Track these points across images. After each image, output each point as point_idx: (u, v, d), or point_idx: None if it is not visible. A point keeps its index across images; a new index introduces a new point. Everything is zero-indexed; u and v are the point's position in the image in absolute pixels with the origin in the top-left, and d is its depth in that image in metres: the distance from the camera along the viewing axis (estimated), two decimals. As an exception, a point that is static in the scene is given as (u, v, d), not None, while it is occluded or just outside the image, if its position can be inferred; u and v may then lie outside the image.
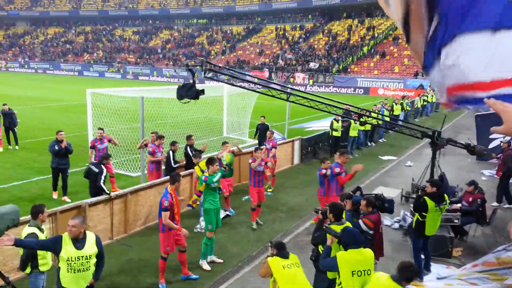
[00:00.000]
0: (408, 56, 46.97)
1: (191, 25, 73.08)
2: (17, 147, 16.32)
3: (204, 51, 63.19)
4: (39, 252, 5.62)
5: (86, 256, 5.03)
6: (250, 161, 9.58)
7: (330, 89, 46.06)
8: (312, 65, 50.57)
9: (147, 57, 66.54)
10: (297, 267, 5.09)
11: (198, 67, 9.24)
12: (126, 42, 73.97)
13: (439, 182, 7.54)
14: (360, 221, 6.15)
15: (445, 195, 7.36)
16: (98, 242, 5.19)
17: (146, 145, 11.24)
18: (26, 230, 5.74)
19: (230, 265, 7.86)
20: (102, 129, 11.77)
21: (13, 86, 43.03)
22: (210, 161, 8.02)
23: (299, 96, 9.67)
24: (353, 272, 4.73)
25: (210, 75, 9.50)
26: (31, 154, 15.59)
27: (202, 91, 8.90)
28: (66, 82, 50.47)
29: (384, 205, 6.50)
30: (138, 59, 66.27)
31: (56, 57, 74.28)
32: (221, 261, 7.98)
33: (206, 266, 7.74)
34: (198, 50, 64.05)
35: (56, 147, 10.64)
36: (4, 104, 16.36)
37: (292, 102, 9.92)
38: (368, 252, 4.94)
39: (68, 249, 4.96)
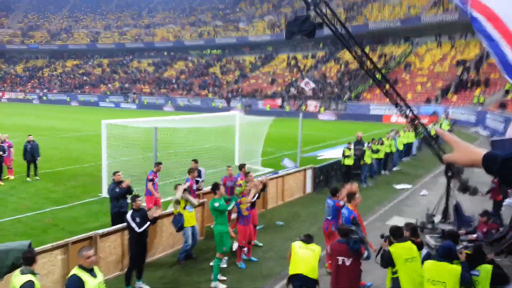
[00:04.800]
0: (420, 82, 46.97)
1: (205, 55, 74.63)
2: (36, 178, 16.45)
3: (217, 80, 64.23)
4: None
5: (103, 281, 5.25)
6: (331, 202, 8.58)
7: (342, 117, 46.11)
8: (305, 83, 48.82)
9: (162, 87, 67.83)
10: (310, 251, 6.30)
11: None
12: (142, 73, 75.72)
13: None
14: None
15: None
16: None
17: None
18: (20, 280, 5.07)
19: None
20: (160, 163, 11.64)
21: (32, 116, 44.11)
22: (215, 187, 8.45)
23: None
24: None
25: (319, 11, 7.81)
26: (47, 184, 15.81)
27: (320, 25, 7.66)
28: (83, 113, 51.58)
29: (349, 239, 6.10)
30: (153, 90, 67.58)
31: (73, 88, 76.23)
32: (225, 278, 8.33)
33: (222, 286, 8.03)
34: (212, 79, 65.13)
35: (117, 190, 9.85)
36: (29, 135, 16.72)
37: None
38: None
39: (88, 281, 5.02)
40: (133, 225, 7.66)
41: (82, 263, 5.15)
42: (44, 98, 74.41)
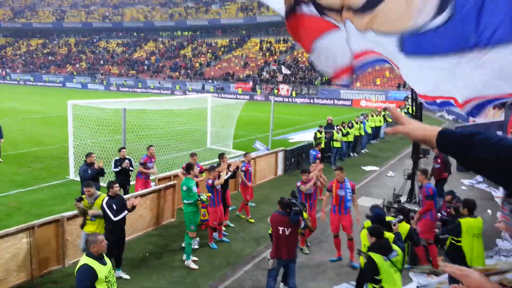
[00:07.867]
0: (389, 69, 47.79)
1: (176, 37, 73.20)
2: (0, 160, 15.92)
3: (189, 63, 63.26)
4: None
5: (112, 268, 5.13)
6: (298, 183, 8.86)
7: (313, 101, 46.47)
8: (283, 70, 51.34)
9: (131, 68, 66.23)
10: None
11: None
12: (110, 54, 73.62)
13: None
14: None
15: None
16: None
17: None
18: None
19: (228, 265, 7.84)
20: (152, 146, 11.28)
21: (-6, 98, 42.26)
22: (189, 167, 8.65)
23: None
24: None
25: None
26: (10, 167, 15.28)
27: None
28: (48, 94, 49.85)
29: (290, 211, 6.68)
30: (122, 71, 65.92)
31: (38, 68, 73.41)
32: (196, 258, 8.38)
33: (193, 265, 8.08)
34: (183, 62, 64.09)
35: (89, 171, 9.59)
36: None
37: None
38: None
39: (100, 269, 4.89)
40: (109, 213, 7.18)
41: (91, 251, 4.93)
42: (8, 78, 71.39)
